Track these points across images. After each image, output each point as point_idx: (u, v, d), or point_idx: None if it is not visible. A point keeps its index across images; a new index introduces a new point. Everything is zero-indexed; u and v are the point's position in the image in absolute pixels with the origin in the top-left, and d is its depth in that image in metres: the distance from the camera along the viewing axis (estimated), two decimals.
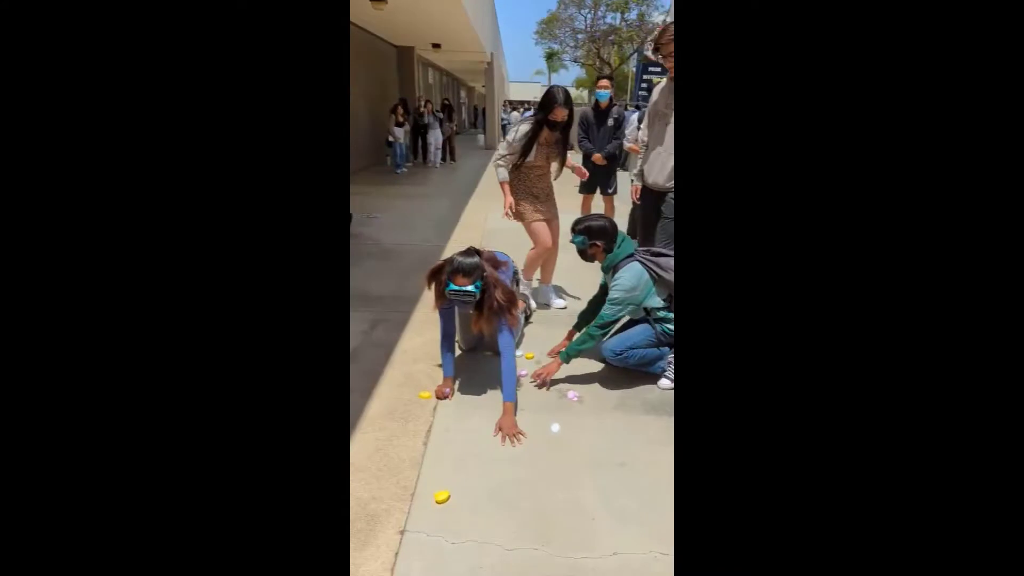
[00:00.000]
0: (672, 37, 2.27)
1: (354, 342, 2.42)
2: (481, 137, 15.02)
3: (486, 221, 4.94)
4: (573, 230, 2.12)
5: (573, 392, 2.02)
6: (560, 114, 2.46)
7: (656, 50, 2.42)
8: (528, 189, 2.66)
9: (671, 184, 2.48)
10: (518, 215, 2.65)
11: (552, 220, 2.73)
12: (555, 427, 1.81)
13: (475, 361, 2.29)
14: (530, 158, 2.57)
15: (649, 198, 2.64)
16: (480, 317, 1.87)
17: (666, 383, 2.06)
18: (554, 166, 2.68)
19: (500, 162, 2.62)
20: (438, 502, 1.46)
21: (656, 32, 2.41)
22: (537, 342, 2.46)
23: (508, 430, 1.74)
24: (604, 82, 3.79)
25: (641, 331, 2.08)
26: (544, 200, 2.70)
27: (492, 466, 1.62)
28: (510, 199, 2.61)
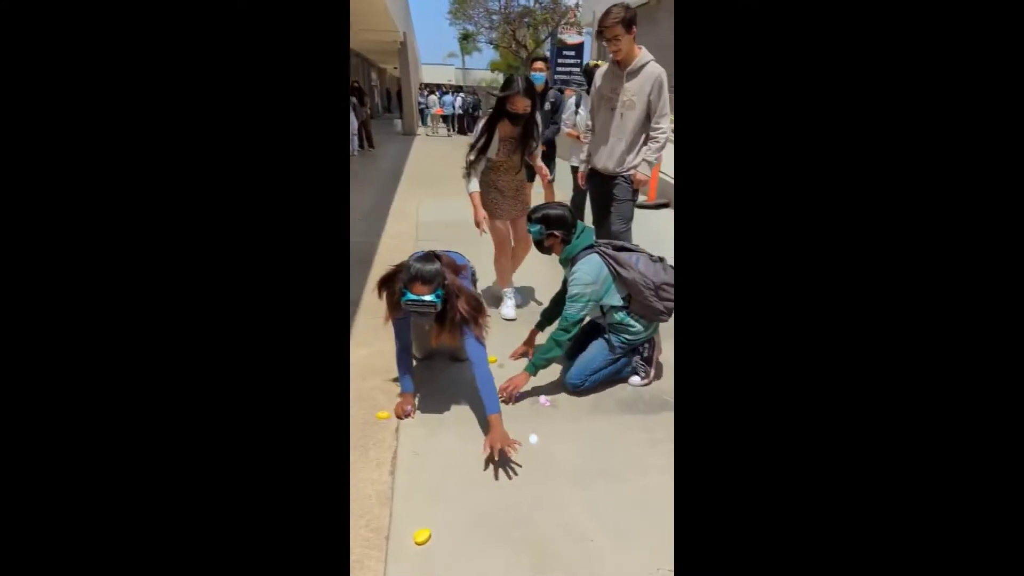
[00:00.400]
0: (616, 20, 2.19)
1: None
2: (398, 122, 14.37)
3: (418, 212, 4.68)
4: (529, 219, 1.98)
5: (545, 397, 1.91)
6: (521, 104, 2.21)
7: (600, 33, 2.33)
8: (492, 183, 2.44)
9: (621, 169, 2.43)
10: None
11: (519, 218, 2.53)
12: (533, 438, 1.69)
13: (431, 371, 2.11)
14: (491, 154, 2.34)
15: (598, 183, 2.58)
16: (442, 331, 1.67)
17: (636, 380, 2.00)
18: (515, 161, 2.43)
19: (465, 170, 2.36)
20: (418, 543, 1.29)
21: (600, 16, 2.30)
22: (497, 343, 2.31)
23: (503, 442, 1.54)
24: (539, 64, 3.64)
25: (598, 352, 1.95)
26: (511, 196, 2.48)
27: (472, 492, 1.47)
28: (481, 212, 2.33)
